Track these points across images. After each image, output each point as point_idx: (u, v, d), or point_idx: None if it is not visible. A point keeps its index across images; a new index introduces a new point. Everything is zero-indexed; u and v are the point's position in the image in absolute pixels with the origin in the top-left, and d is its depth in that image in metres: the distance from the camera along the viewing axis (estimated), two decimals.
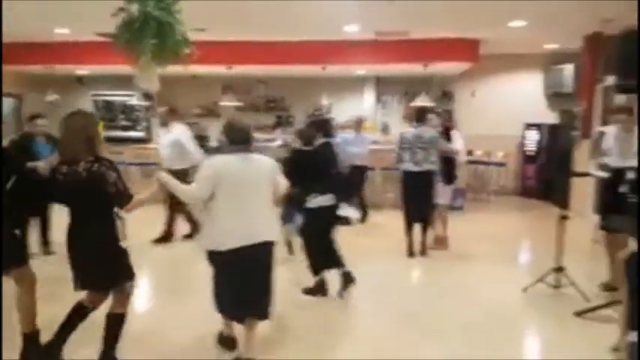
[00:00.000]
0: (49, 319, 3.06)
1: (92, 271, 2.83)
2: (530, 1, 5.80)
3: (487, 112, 9.88)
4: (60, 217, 3.40)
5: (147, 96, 8.93)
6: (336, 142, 4.63)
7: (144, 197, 2.90)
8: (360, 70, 9.68)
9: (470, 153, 8.55)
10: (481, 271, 5.26)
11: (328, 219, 4.25)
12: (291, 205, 4.59)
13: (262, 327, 3.28)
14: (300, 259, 4.51)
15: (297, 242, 4.75)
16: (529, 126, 9.73)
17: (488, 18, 6.71)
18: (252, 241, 2.97)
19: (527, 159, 9.82)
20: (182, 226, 6.20)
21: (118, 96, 10.99)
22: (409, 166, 5.51)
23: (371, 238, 6.50)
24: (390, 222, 6.69)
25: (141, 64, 3.41)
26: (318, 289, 4.33)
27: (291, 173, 3.54)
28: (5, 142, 4.76)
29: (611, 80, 6.53)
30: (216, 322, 3.30)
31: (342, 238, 4.44)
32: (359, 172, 6.95)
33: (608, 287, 4.42)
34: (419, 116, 5.67)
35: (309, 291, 4.36)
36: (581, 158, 5.86)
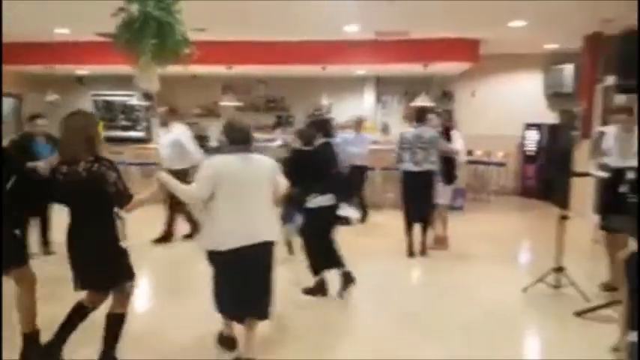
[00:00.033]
0: (49, 319, 3.06)
1: (92, 271, 2.83)
2: (530, 1, 5.80)
3: (487, 112, 9.87)
4: (60, 217, 3.40)
5: (147, 96, 8.93)
6: (336, 142, 4.63)
7: (144, 197, 2.90)
8: (360, 70, 9.67)
9: (470, 153, 8.55)
10: (481, 271, 5.26)
11: (328, 219, 4.25)
12: (291, 205, 4.58)
13: (262, 327, 3.28)
14: (300, 259, 4.51)
15: (297, 242, 4.75)
16: (529, 126, 9.72)
17: (488, 18, 6.71)
18: (252, 241, 2.97)
19: (527, 159, 9.81)
20: (182, 226, 6.20)
21: (118, 96, 10.99)
22: (409, 166, 5.51)
23: (371, 238, 6.49)
24: (390, 222, 6.69)
25: (141, 64, 3.42)
26: (318, 289, 4.33)
27: (291, 173, 3.54)
28: (5, 142, 4.76)
29: (611, 80, 6.53)
30: (216, 322, 3.30)
31: (342, 238, 4.43)
32: (359, 172, 6.95)
33: (608, 287, 4.42)
34: (419, 116, 5.67)
35: (309, 291, 4.36)
36: (581, 158, 5.87)
